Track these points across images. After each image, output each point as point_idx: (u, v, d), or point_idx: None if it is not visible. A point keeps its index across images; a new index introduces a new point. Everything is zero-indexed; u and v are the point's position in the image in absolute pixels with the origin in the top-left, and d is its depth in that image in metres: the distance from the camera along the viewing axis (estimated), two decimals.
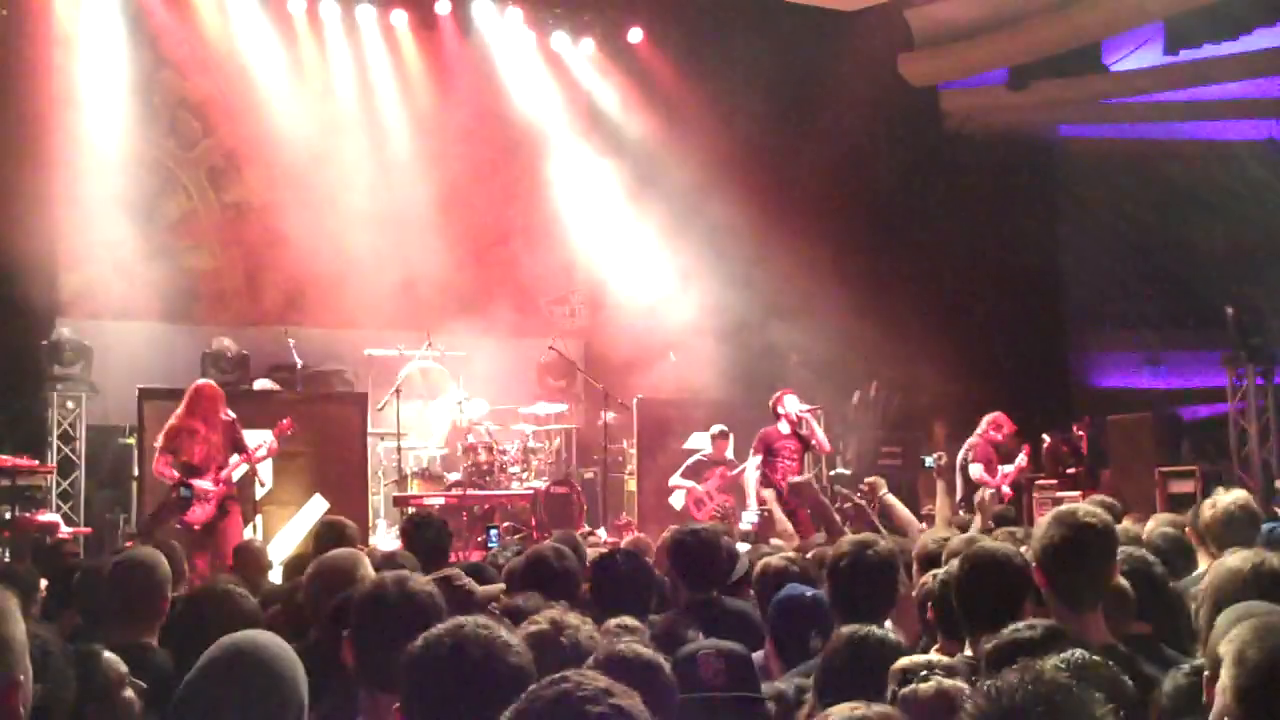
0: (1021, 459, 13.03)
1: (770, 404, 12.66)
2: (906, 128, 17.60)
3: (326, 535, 6.95)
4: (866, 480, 10.75)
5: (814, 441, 12.75)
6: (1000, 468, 12.91)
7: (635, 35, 16.85)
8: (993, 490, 12.85)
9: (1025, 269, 17.76)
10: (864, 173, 16.82)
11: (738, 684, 3.93)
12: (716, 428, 13.61)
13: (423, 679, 2.93)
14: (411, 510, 12.17)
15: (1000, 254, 17.18)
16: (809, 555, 6.47)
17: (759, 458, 12.40)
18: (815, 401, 13.46)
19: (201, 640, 3.66)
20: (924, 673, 3.51)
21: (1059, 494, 14.05)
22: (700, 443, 13.94)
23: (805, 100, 16.47)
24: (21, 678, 2.83)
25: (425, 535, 7.02)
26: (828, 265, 16.04)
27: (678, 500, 13.48)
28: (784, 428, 12.50)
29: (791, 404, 12.59)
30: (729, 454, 13.62)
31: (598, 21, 16.85)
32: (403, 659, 2.99)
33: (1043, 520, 4.33)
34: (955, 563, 4.59)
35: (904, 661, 3.64)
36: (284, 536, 12.00)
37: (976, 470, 12.71)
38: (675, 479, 13.61)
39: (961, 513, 12.28)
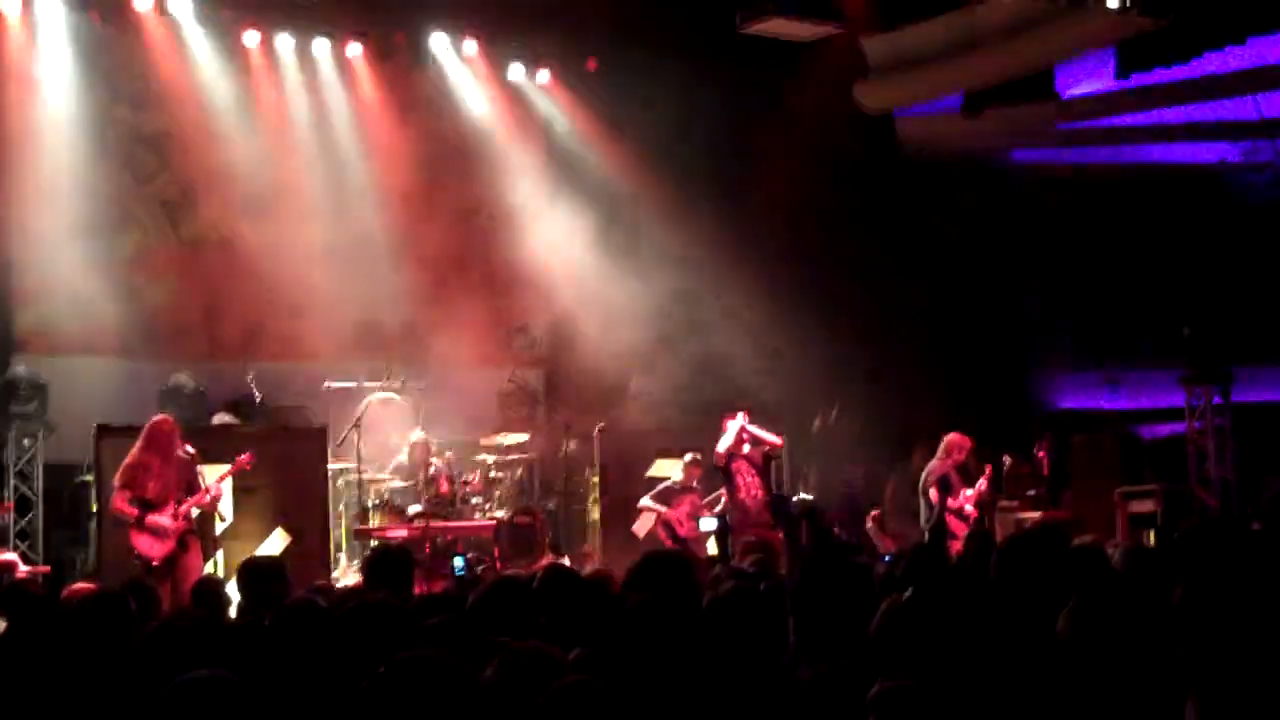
0: (983, 482, 13.02)
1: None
2: (862, 154, 17.66)
3: (249, 575, 6.90)
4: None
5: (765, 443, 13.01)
6: (963, 490, 12.91)
7: (591, 65, 16.88)
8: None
9: (982, 292, 17.85)
10: (821, 199, 16.86)
11: None
12: (689, 456, 13.59)
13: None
14: (374, 543, 12.15)
15: (957, 278, 17.25)
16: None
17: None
18: (777, 427, 13.53)
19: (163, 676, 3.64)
20: None
21: (1020, 515, 14.11)
22: (664, 470, 13.93)
23: (761, 127, 16.52)
24: None
25: (386, 564, 6.98)
26: (786, 292, 16.08)
27: (642, 526, 13.41)
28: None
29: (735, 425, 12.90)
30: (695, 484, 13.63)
31: (554, 51, 16.87)
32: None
33: None
34: None
35: None
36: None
37: (935, 493, 12.74)
38: (645, 501, 13.54)
39: (926, 538, 12.30)
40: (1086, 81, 16.98)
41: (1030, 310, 18.60)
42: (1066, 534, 4.70)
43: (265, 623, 5.21)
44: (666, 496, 13.48)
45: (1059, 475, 14.82)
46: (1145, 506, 13.72)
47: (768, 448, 13.21)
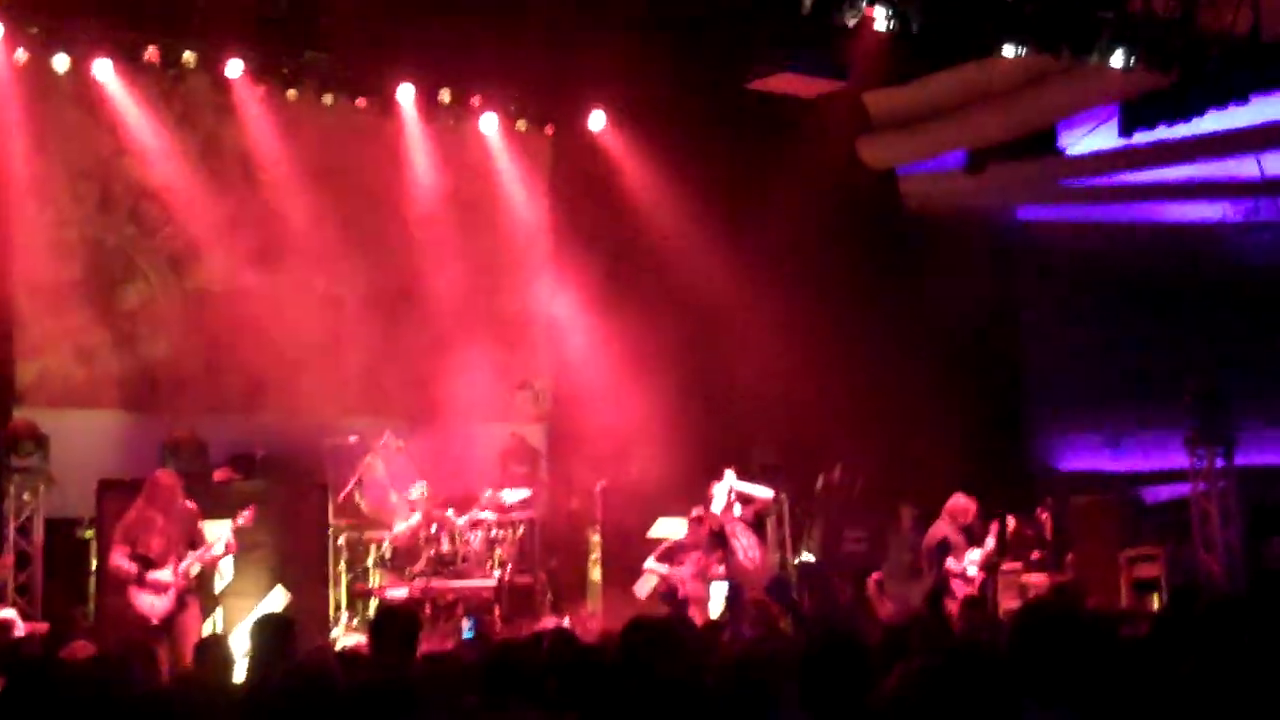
0: (990, 541, 12.93)
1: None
2: (865, 210, 17.67)
3: (261, 632, 6.87)
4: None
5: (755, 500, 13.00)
6: (967, 552, 12.81)
7: (596, 122, 16.93)
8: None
9: (985, 351, 17.85)
10: (823, 255, 16.87)
11: None
12: (696, 511, 13.49)
13: None
14: (375, 603, 12.09)
15: (960, 336, 17.25)
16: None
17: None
18: (778, 486, 13.50)
19: None
20: None
21: (1024, 578, 14.06)
22: (665, 530, 13.85)
23: (764, 183, 16.55)
24: None
25: (392, 626, 6.94)
26: (788, 349, 16.06)
27: (643, 587, 13.29)
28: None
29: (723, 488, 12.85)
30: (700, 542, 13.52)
31: (558, 108, 16.93)
32: None
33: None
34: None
35: None
36: (244, 630, 11.80)
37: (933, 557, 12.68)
38: (650, 563, 13.38)
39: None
40: (1089, 139, 17.02)
41: (1032, 369, 18.59)
42: (1076, 605, 4.64)
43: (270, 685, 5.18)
44: (671, 555, 13.32)
45: (1062, 537, 14.76)
46: (1149, 570, 13.67)
47: (758, 505, 13.13)
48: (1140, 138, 16.27)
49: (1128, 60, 12.86)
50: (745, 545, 12.89)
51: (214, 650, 7.82)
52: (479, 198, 16.86)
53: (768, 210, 16.46)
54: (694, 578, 13.07)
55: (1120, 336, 18.21)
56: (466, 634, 11.32)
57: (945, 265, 17.05)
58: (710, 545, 12.77)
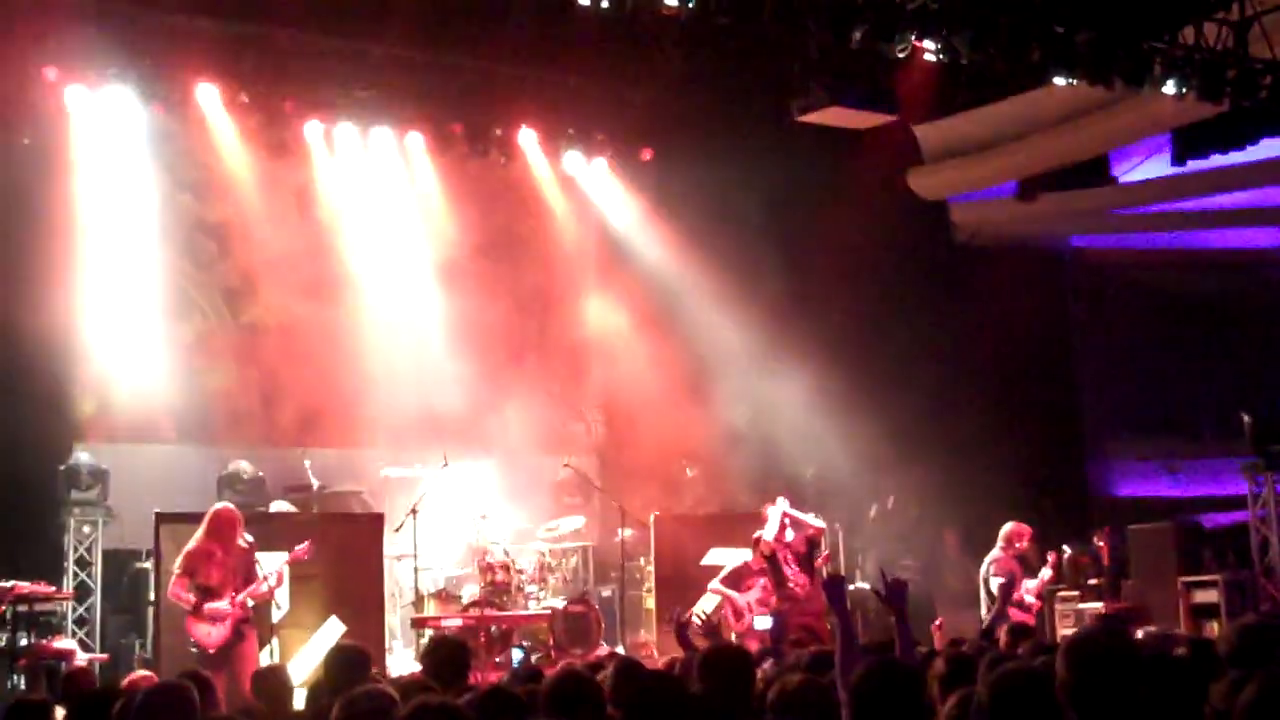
0: (1046, 571, 12.81)
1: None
2: (916, 240, 17.67)
3: (339, 661, 6.89)
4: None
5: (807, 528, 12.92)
6: (1024, 580, 12.69)
7: (647, 154, 17.04)
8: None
9: (1040, 378, 17.78)
10: (875, 284, 16.88)
11: None
12: (759, 534, 13.44)
13: None
14: (429, 633, 12.11)
15: (1014, 364, 17.19)
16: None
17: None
18: (832, 515, 13.45)
19: None
20: None
21: (1081, 606, 13.95)
22: (719, 559, 13.81)
23: (816, 215, 16.57)
24: None
25: (444, 656, 6.96)
26: (841, 378, 16.06)
27: (704, 607, 13.11)
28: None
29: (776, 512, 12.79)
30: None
31: (610, 141, 17.03)
32: None
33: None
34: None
35: None
36: (301, 659, 11.88)
37: (999, 584, 12.54)
38: (714, 584, 13.31)
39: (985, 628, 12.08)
40: (1142, 167, 16.95)
41: (1088, 396, 18.49)
42: (1126, 632, 4.62)
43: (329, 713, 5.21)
44: (737, 579, 13.24)
45: (1119, 565, 14.63)
46: (1208, 597, 13.53)
47: (811, 532, 13.09)
48: (1193, 165, 16.21)
49: (1180, 90, 12.82)
50: (795, 572, 12.84)
51: (272, 679, 7.85)
52: (531, 231, 16.97)
53: (819, 239, 16.48)
54: (759, 603, 13.00)
55: (1176, 363, 18.11)
56: (515, 663, 11.31)
57: (998, 293, 17.01)
58: (769, 570, 12.74)
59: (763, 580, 13.04)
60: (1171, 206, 17.96)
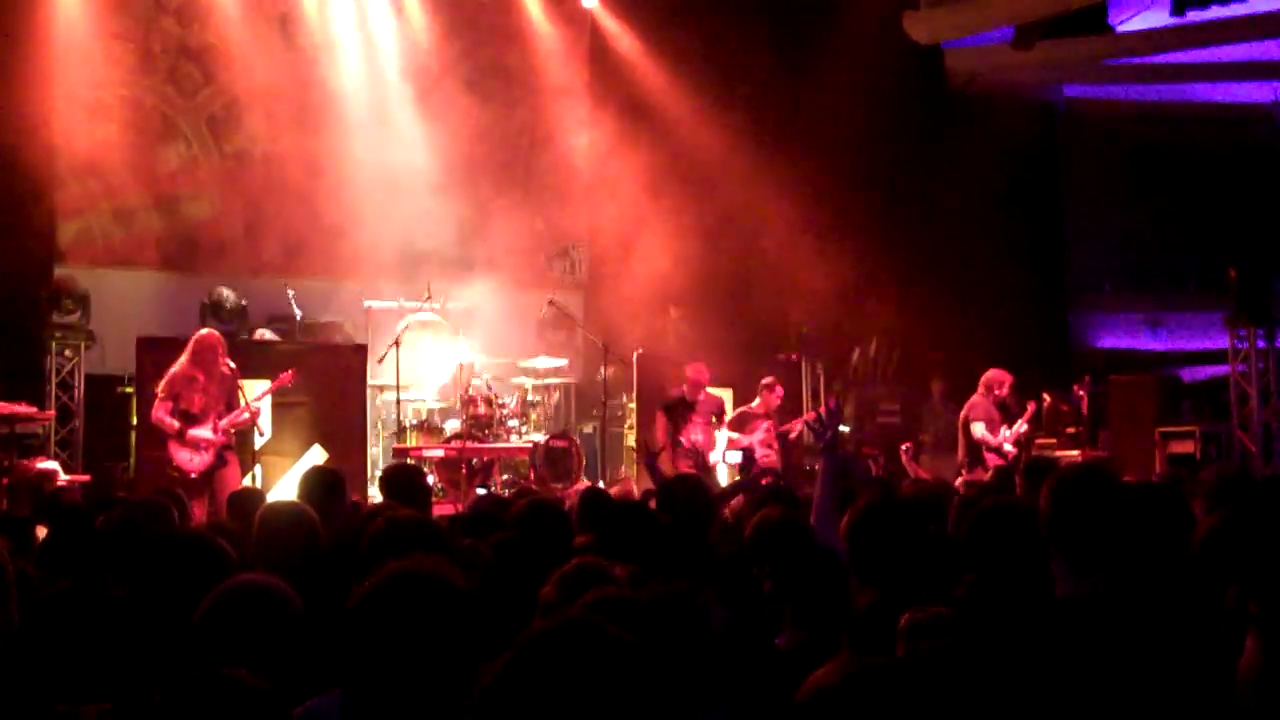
0: (1023, 420, 12.90)
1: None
2: (910, 86, 17.46)
3: (314, 482, 6.94)
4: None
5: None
6: (1002, 427, 12.80)
7: None
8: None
9: (1027, 228, 17.74)
10: (866, 130, 16.71)
11: None
12: (766, 379, 13.45)
13: (359, 633, 2.84)
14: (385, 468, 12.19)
15: (1002, 213, 17.12)
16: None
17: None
18: (817, 359, 13.48)
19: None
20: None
21: (1058, 454, 14.06)
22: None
23: (808, 57, 16.36)
24: None
25: (401, 482, 7.00)
26: (829, 224, 16.00)
27: (717, 454, 13.19)
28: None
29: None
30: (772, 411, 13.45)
31: None
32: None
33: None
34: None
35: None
36: (282, 487, 11.97)
37: (979, 429, 12.63)
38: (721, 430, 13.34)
39: (963, 473, 12.21)
40: (1141, 17, 16.73)
41: (1074, 248, 18.46)
42: (1113, 474, 4.62)
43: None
44: (742, 422, 13.28)
45: (1098, 415, 14.74)
46: (1184, 447, 13.66)
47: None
48: (1192, 16, 16.00)
49: None
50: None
51: (248, 502, 7.91)
52: (520, 65, 16.73)
53: (810, 83, 16.29)
54: (763, 444, 13.06)
55: (1163, 216, 18.06)
56: (480, 492, 11.41)
57: (989, 141, 16.88)
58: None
59: (767, 422, 13.13)
60: (1168, 59, 17.76)
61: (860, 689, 2.18)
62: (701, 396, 12.78)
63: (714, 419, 12.80)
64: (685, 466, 12.01)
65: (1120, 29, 16.99)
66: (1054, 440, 14.49)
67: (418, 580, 2.82)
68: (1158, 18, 16.52)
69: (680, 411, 12.68)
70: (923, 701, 2.18)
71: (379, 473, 13.86)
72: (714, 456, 12.87)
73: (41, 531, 6.74)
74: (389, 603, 2.78)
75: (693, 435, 12.63)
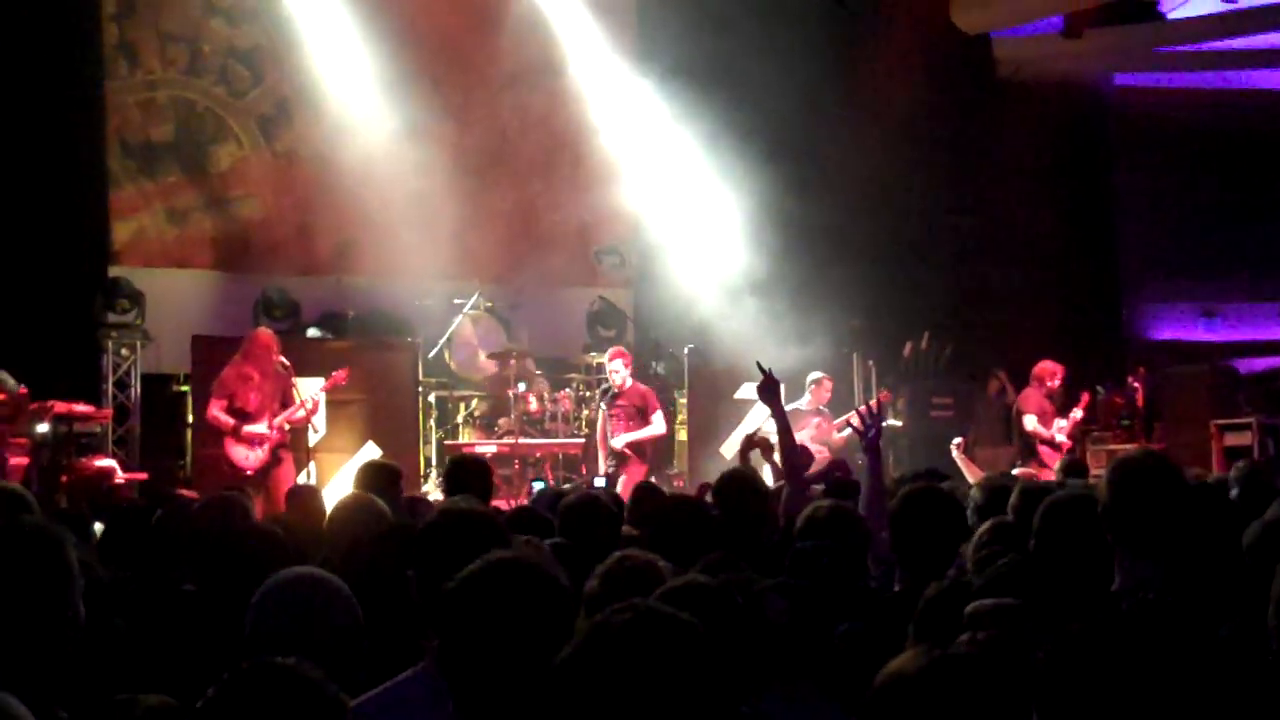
0: (1078, 412, 12.81)
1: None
2: (958, 76, 17.37)
3: (369, 478, 6.98)
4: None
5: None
6: (1055, 419, 12.73)
7: None
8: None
9: (1079, 219, 17.62)
10: (915, 118, 16.62)
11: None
12: (814, 375, 13.40)
13: (460, 614, 2.89)
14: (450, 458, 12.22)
15: (1053, 203, 17.01)
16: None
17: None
18: (868, 353, 13.43)
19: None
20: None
21: (1113, 446, 13.96)
22: (750, 392, 13.82)
23: (857, 48, 16.31)
24: None
25: (465, 476, 6.99)
26: (880, 216, 15.94)
27: (729, 447, 13.28)
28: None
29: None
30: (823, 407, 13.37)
31: None
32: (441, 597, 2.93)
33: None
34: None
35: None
36: (337, 484, 12.04)
37: (1030, 422, 12.58)
38: (767, 425, 13.22)
39: (1019, 465, 12.14)
40: (1191, 3, 16.58)
41: (1127, 238, 18.31)
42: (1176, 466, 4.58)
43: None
44: (792, 420, 13.11)
45: (1153, 407, 14.62)
46: (1241, 439, 13.51)
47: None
48: (1243, 2, 15.85)
49: None
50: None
51: (306, 496, 7.98)
52: (566, 61, 16.70)
53: (860, 73, 16.23)
54: (814, 441, 12.97)
55: (1217, 205, 17.89)
56: (537, 486, 11.41)
57: (1039, 131, 16.78)
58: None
59: (817, 419, 13.07)
60: (1219, 45, 17.60)
61: (939, 677, 2.23)
62: (621, 383, 12.35)
63: (638, 412, 12.34)
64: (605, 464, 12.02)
65: (1170, 16, 16.85)
66: (1109, 433, 14.39)
67: (522, 569, 2.90)
68: (1208, 4, 16.39)
69: (608, 402, 12.44)
70: (999, 690, 2.23)
71: (431, 469, 14.04)
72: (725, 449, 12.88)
73: (98, 527, 6.80)
74: (496, 588, 2.85)
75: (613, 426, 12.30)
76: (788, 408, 13.07)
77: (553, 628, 2.74)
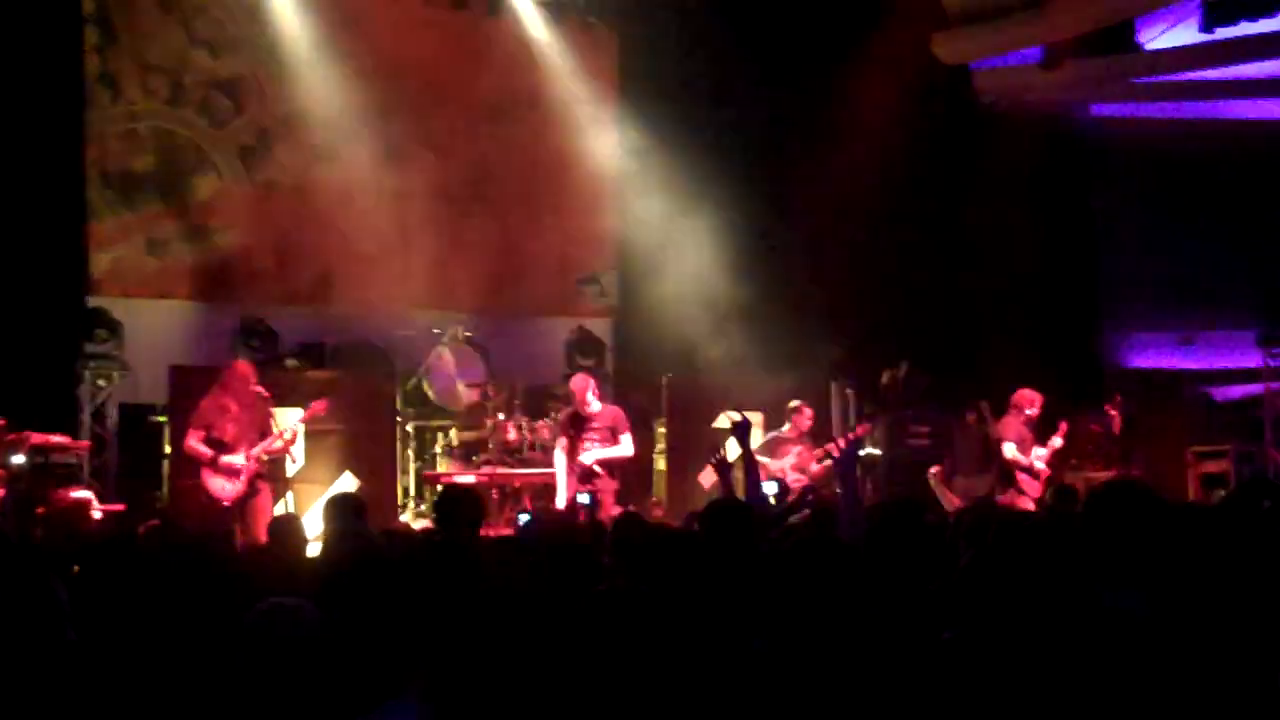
0: (1057, 440, 12.83)
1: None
2: (938, 106, 17.45)
3: (335, 509, 7.01)
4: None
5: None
6: (1035, 448, 12.75)
7: (665, 17, 16.73)
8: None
9: (1058, 248, 17.68)
10: (895, 149, 16.67)
11: None
12: (794, 403, 13.35)
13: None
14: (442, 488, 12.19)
15: (1033, 232, 17.06)
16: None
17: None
18: (848, 382, 13.44)
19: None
20: None
21: (1090, 474, 13.99)
22: (728, 423, 13.81)
23: (837, 77, 16.36)
24: None
25: (456, 506, 7.02)
26: (858, 245, 15.97)
27: (707, 477, 13.25)
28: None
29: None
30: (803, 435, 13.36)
31: (624, 2, 16.73)
32: None
33: None
34: None
35: None
36: (314, 514, 12.00)
37: (1010, 449, 12.59)
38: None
39: (997, 493, 12.15)
40: (1169, 34, 16.67)
41: (1105, 266, 18.37)
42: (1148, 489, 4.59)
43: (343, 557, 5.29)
44: (772, 448, 13.15)
45: (1130, 434, 14.65)
46: (1217, 466, 13.57)
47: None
48: (1221, 33, 15.94)
49: None
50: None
51: (288, 527, 7.96)
52: (548, 94, 16.75)
53: (840, 104, 16.28)
54: (795, 469, 12.96)
55: (1194, 234, 17.95)
56: (523, 519, 11.34)
57: (1018, 161, 16.83)
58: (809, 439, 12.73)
59: (798, 448, 13.06)
60: (1197, 75, 17.69)
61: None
62: (594, 409, 11.96)
63: (611, 433, 11.93)
64: (578, 484, 11.64)
65: (1148, 47, 16.94)
66: (1086, 461, 14.42)
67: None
68: (1186, 35, 16.45)
69: (577, 426, 11.93)
70: None
71: (410, 499, 14.01)
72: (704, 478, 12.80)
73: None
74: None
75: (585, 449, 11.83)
76: (769, 435, 13.18)
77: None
